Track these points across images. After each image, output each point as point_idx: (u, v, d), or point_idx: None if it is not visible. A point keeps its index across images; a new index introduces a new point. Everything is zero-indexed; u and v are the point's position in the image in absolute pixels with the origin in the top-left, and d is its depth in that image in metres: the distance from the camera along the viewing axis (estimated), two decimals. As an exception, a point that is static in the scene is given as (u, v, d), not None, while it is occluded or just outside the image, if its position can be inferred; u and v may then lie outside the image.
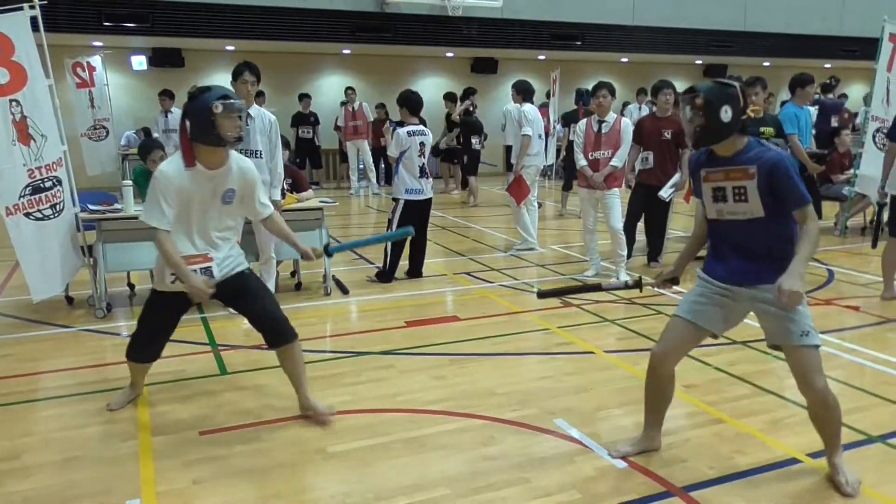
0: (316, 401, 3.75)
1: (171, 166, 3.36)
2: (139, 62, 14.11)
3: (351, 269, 7.15)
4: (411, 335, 5.10)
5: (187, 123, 3.30)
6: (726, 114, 2.80)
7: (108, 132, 12.21)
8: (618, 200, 6.41)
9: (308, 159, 14.26)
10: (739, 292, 2.97)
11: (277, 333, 3.64)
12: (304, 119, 14.17)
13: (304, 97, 14.21)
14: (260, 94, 13.39)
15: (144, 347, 3.76)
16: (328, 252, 3.81)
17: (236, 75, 5.42)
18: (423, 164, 6.50)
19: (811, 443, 3.37)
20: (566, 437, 3.48)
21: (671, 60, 17.10)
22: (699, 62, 17.97)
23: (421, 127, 6.57)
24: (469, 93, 13.15)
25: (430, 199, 6.62)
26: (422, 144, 6.47)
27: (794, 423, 3.62)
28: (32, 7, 5.10)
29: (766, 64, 18.09)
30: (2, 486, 3.08)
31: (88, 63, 11.86)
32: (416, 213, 6.49)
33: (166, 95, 12.22)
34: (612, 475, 3.13)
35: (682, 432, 3.54)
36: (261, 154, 5.39)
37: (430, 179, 6.66)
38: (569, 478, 3.11)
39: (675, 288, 3.41)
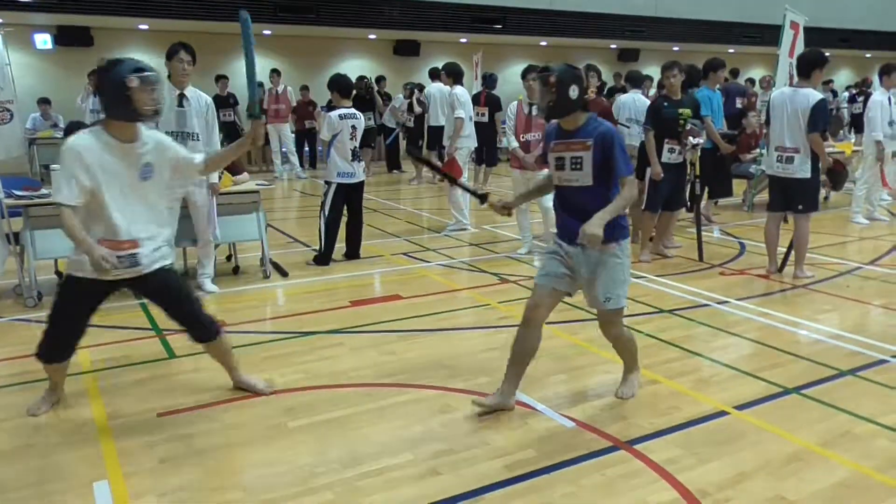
0: (252, 378, 3.82)
1: (80, 139, 3.20)
2: (43, 41, 13.42)
3: (286, 252, 7.16)
4: (357, 314, 5.21)
5: (100, 97, 3.22)
6: (574, 92, 3.27)
7: (11, 115, 11.52)
8: (548, 180, 6.66)
9: (230, 142, 13.94)
10: (572, 252, 3.41)
11: (203, 334, 3.60)
12: (224, 101, 13.76)
13: (221, 78, 13.84)
14: (92, 74, 12.97)
15: (61, 344, 3.47)
16: (256, 112, 3.54)
17: (171, 55, 5.35)
18: (355, 147, 6.53)
19: (736, 397, 3.73)
20: (517, 403, 3.70)
21: (588, 45, 17.63)
22: (613, 46, 18.60)
23: (353, 110, 6.58)
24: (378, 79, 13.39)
25: (361, 181, 6.68)
26: (353, 128, 6.50)
27: (720, 381, 3.97)
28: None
29: (676, 49, 18.90)
30: (-41, 475, 3.03)
31: (-11, 41, 11.20)
32: (348, 196, 6.57)
33: (94, 75, 11.69)
34: (562, 434, 3.37)
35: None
36: (197, 136, 5.35)
37: (362, 162, 6.70)
38: (523, 438, 3.32)
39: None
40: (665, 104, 6.50)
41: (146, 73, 3.16)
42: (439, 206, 9.88)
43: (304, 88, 14.18)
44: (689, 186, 6.87)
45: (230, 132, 13.94)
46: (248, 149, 3.70)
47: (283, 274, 6.31)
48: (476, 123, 11.23)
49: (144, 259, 3.35)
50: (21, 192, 5.48)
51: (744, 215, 9.17)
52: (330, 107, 6.69)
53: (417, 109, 12.74)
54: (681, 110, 6.43)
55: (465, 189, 4.35)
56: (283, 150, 13.45)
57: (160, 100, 3.20)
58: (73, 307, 3.41)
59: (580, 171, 3.30)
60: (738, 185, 9.87)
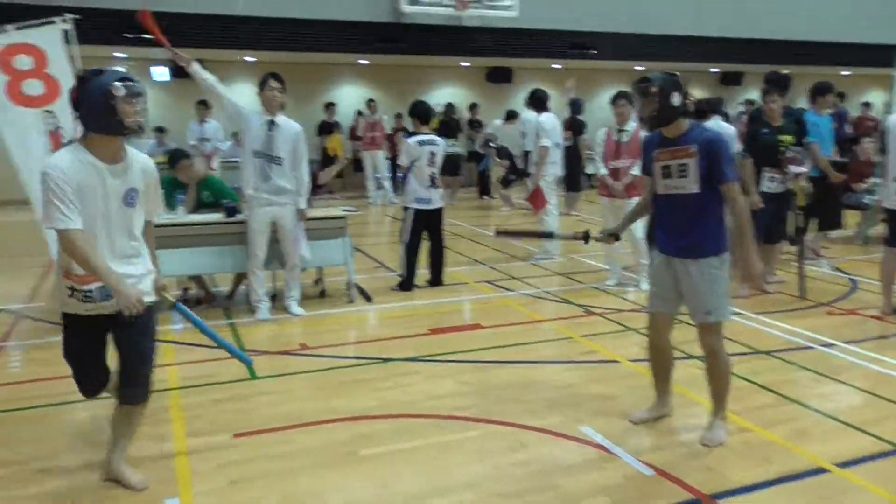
0: (129, 471, 3.19)
1: (59, 159, 2.82)
2: (161, 73, 14.30)
3: (373, 278, 7.23)
4: (436, 342, 5.16)
5: (80, 110, 2.84)
6: (675, 99, 3.30)
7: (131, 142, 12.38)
8: (638, 210, 6.43)
9: (328, 166, 14.37)
10: (676, 263, 3.46)
11: (139, 393, 3.12)
12: (330, 128, 14.27)
13: (329, 105, 14.31)
14: (202, 104, 13.49)
15: (87, 383, 3.22)
16: (176, 306, 3.31)
17: (262, 84, 5.52)
18: (433, 173, 6.53)
19: (838, 452, 3.41)
20: (593, 445, 3.53)
21: (687, 69, 17.08)
22: (715, 70, 17.99)
23: (432, 136, 6.60)
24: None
25: (440, 208, 6.66)
26: (432, 154, 6.51)
27: (820, 433, 3.65)
28: (65, 21, 5.23)
29: (785, 72, 18.05)
30: (41, 485, 3.17)
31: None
32: (426, 222, 6.57)
33: (203, 105, 12.35)
34: (639, 482, 3.18)
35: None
36: (281, 161, 5.48)
37: (440, 189, 6.68)
38: (597, 484, 3.15)
39: (616, 244, 4.15)
40: (763, 130, 6.16)
41: (132, 83, 2.83)
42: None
43: (398, 116, 14.44)
44: (793, 217, 6.46)
45: (329, 158, 14.43)
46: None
47: (368, 299, 6.36)
48: (565, 148, 11.18)
49: (142, 287, 3.01)
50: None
51: (857, 249, 8.54)
52: (410, 133, 6.73)
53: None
54: (781, 137, 6.08)
55: (565, 238, 4.43)
56: (377, 176, 13.71)
57: (144, 115, 2.86)
58: (75, 344, 3.10)
59: (686, 179, 3.34)
60: (851, 217, 9.24)
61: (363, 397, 4.15)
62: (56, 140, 5.17)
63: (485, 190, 14.25)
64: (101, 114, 2.79)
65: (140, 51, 12.99)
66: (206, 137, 11.65)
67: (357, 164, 14.23)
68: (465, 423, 3.81)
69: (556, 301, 6.33)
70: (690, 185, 3.34)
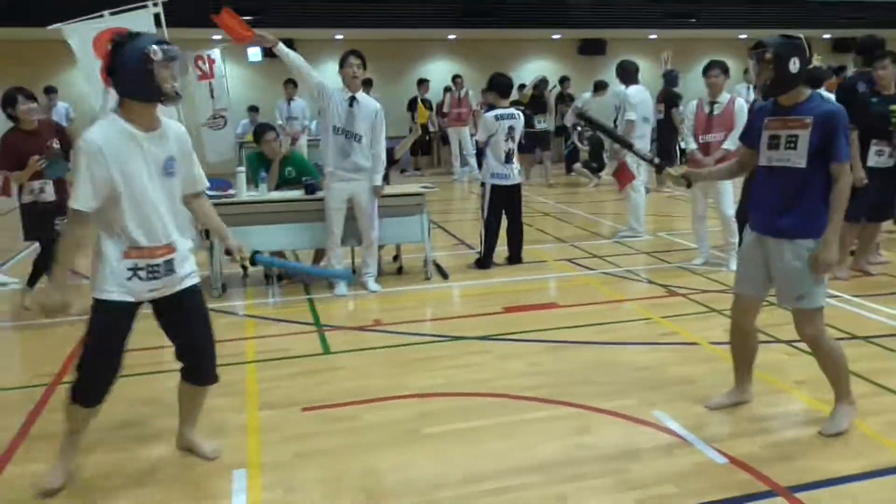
0: (201, 441, 3.25)
1: (96, 132, 2.69)
2: (255, 54, 14.63)
3: (452, 255, 7.22)
4: (509, 321, 5.10)
5: (116, 77, 2.70)
6: (794, 65, 3.03)
7: (226, 121, 12.74)
8: (730, 186, 6.11)
9: (420, 146, 14.49)
10: (770, 243, 3.22)
11: (207, 374, 3.10)
12: (423, 104, 14.32)
13: (423, 82, 14.33)
14: (367, 83, 13.72)
15: (99, 384, 2.88)
16: (253, 260, 3.28)
17: (342, 62, 5.56)
18: (511, 148, 6.40)
19: (937, 448, 3.12)
20: (665, 430, 3.38)
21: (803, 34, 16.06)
22: (827, 36, 16.79)
23: (511, 110, 6.46)
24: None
25: (517, 184, 6.53)
26: (510, 129, 6.37)
27: (919, 427, 3.35)
28: (156, 4, 5.43)
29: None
30: (128, 451, 3.33)
31: (209, 56, 12.45)
32: (504, 198, 6.47)
33: (291, 84, 12.68)
34: (711, 471, 3.02)
35: (790, 429, 3.37)
36: (361, 139, 5.52)
37: (517, 164, 6.54)
38: (665, 471, 3.02)
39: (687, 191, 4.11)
40: (874, 99, 5.68)
41: (168, 47, 2.71)
42: (616, 211, 9.48)
43: (485, 91, 14.28)
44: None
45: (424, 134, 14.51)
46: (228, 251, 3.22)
47: (445, 276, 6.35)
48: (657, 122, 10.75)
49: (178, 268, 2.90)
50: (212, 191, 5.96)
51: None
52: (490, 107, 6.61)
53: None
54: (893, 107, 5.59)
55: (640, 156, 4.27)
56: (464, 153, 13.66)
57: (180, 82, 2.76)
58: (111, 334, 2.86)
59: (794, 151, 3.10)
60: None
61: (432, 375, 4.15)
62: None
63: (571, 167, 13.95)
64: (138, 79, 2.67)
65: (236, 33, 13.42)
66: (294, 116, 11.96)
67: (444, 141, 14.24)
68: (533, 403, 3.73)
69: (638, 280, 6.11)
70: (797, 158, 3.08)
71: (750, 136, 3.36)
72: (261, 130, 6.39)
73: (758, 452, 3.14)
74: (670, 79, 11.46)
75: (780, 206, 3.16)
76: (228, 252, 3.20)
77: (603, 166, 12.18)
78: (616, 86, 11.53)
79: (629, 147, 4.38)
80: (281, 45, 5.54)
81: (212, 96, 12.67)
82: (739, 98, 6.19)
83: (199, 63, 12.51)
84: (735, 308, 3.49)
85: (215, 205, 5.65)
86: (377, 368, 4.27)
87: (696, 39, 15.62)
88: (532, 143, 12.68)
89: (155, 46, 2.67)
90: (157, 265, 2.84)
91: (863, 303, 5.25)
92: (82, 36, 5.21)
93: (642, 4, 13.90)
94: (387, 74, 14.85)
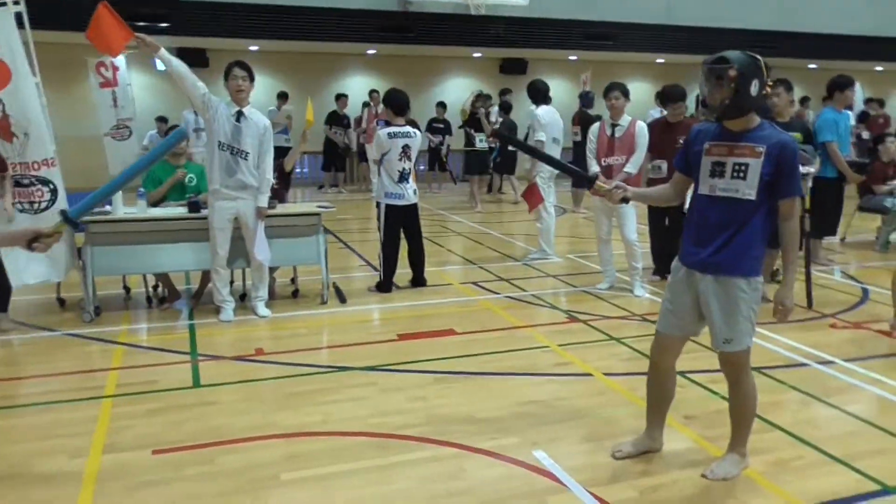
0: None
1: None
2: (179, 61, 14.14)
3: (357, 277, 6.92)
4: (401, 350, 4.83)
5: None
6: (755, 88, 2.78)
7: (130, 132, 12.18)
8: (632, 210, 6.03)
9: (334, 162, 14.14)
10: (700, 280, 2.97)
11: None
12: (339, 120, 14.01)
13: (341, 97, 14.02)
14: (283, 96, 13.35)
15: None
16: (69, 219, 2.89)
17: (227, 73, 5.25)
18: (405, 168, 6.15)
19: (819, 490, 3.01)
20: (543, 472, 3.17)
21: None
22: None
23: (406, 128, 6.23)
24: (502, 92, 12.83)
25: (413, 204, 6.29)
26: (405, 147, 6.14)
27: (802, 466, 3.24)
28: (17, 3, 4.98)
29: (812, 66, 17.38)
30: None
31: (112, 63, 11.85)
32: (400, 219, 6.24)
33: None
34: (585, 520, 2.81)
35: (673, 471, 3.19)
36: (247, 156, 5.20)
37: (413, 184, 6.28)
38: (537, 522, 2.80)
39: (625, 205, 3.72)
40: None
41: None
42: (530, 232, 9.37)
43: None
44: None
45: (337, 151, 14.15)
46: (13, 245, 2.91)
47: (342, 300, 6.04)
48: (574, 143, 10.77)
49: None
50: (86, 207, 5.51)
51: (874, 255, 8.01)
52: (386, 124, 6.36)
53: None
54: (793, 134, 5.61)
55: (570, 172, 3.69)
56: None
57: None
58: None
59: (743, 181, 2.82)
60: (871, 221, 8.72)
61: (307, 411, 3.83)
62: (3, 127, 4.93)
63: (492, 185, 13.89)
64: None
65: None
66: (202, 127, 11.46)
67: (362, 156, 13.96)
68: (410, 443, 3.47)
69: (541, 305, 5.95)
70: (747, 189, 2.81)
71: (685, 161, 3.08)
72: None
73: (636, 499, 2.96)
74: (587, 100, 11.54)
75: (714, 238, 2.88)
76: (30, 243, 2.73)
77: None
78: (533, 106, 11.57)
79: (550, 161, 3.93)
80: (163, 51, 5.16)
81: (115, 105, 12.11)
82: (640, 121, 6.12)
83: (102, 70, 11.92)
84: (655, 347, 3.20)
85: (89, 222, 5.32)
86: (248, 404, 3.93)
87: (614, 62, 15.87)
88: (475, 164, 12.46)
89: None
90: None
91: (759, 331, 5.20)
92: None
93: (562, 26, 14.00)
94: (304, 88, 14.50)
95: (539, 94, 7.56)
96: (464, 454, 3.35)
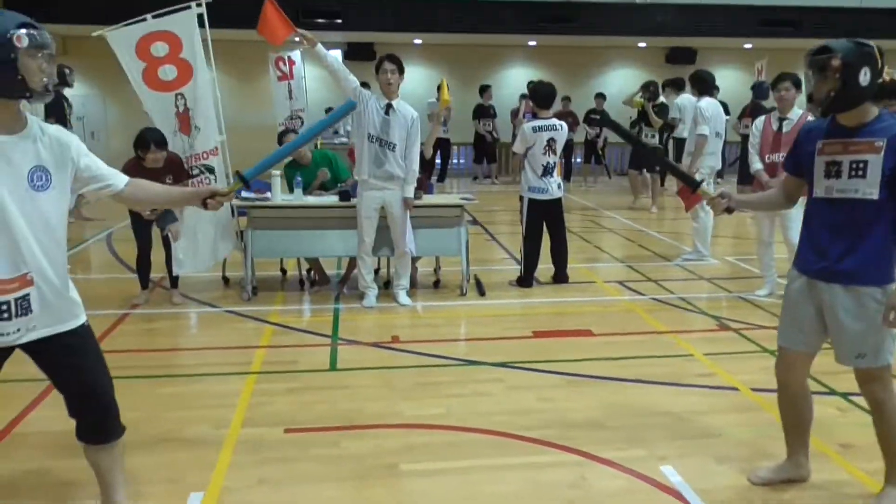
0: None
1: None
2: (335, 56, 14.88)
3: (499, 269, 6.90)
4: (534, 347, 4.75)
5: None
6: (865, 76, 2.53)
7: (302, 121, 12.98)
8: (799, 211, 5.46)
9: (485, 153, 14.24)
10: (824, 290, 2.71)
11: (103, 430, 2.51)
12: (485, 111, 14.12)
13: (485, 88, 14.14)
14: (364, 85, 13.51)
15: None
16: (243, 178, 2.88)
17: (377, 67, 5.38)
18: (549, 161, 6.02)
19: None
20: (668, 490, 2.97)
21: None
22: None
23: (552, 121, 6.08)
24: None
25: (557, 198, 6.15)
26: (551, 140, 6.00)
27: (982, 516, 2.79)
28: (199, 5, 5.40)
29: None
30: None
31: (289, 58, 12.66)
32: (543, 213, 6.12)
33: (365, 85, 12.71)
34: (710, 549, 2.60)
35: (820, 505, 2.88)
36: (395, 147, 5.31)
37: (557, 178, 6.14)
38: (656, 543, 2.63)
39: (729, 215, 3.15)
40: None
41: (36, 31, 2.18)
42: (685, 231, 8.88)
43: (566, 99, 13.85)
44: None
45: (481, 142, 14.26)
46: (190, 204, 2.82)
47: (482, 293, 6.04)
48: (743, 137, 9.99)
49: (36, 303, 2.28)
50: (250, 194, 5.90)
51: None
52: (533, 116, 6.25)
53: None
54: None
55: (676, 172, 3.59)
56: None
57: (53, 74, 2.23)
58: None
59: (863, 180, 2.59)
60: None
61: (433, 402, 3.87)
62: (185, 121, 5.39)
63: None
64: None
65: (318, 34, 13.55)
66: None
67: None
68: (532, 445, 3.39)
69: (689, 310, 5.60)
70: (868, 188, 2.57)
71: (796, 162, 2.85)
72: (282, 134, 6.29)
73: (773, 530, 2.70)
74: (760, 91, 10.66)
75: (840, 245, 2.65)
76: (208, 203, 2.65)
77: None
78: (679, 97, 10.88)
79: (652, 157, 3.84)
80: (320, 47, 5.41)
81: (290, 97, 12.93)
82: (811, 114, 5.55)
83: (280, 64, 12.78)
84: (780, 364, 2.94)
85: (250, 207, 5.71)
86: (376, 391, 4.03)
87: (795, 49, 14.56)
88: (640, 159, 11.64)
89: (20, 31, 2.14)
90: (6, 303, 2.21)
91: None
92: (126, 41, 5.24)
93: (736, 11, 13.07)
94: (463, 80, 14.68)
95: (705, 86, 7.10)
96: (586, 462, 3.22)
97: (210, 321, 5.35)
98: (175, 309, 5.56)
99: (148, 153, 5.11)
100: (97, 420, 2.49)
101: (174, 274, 5.59)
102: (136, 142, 5.19)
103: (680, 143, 10.86)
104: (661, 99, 10.62)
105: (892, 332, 2.66)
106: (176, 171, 5.26)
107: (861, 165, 2.58)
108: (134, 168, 5.10)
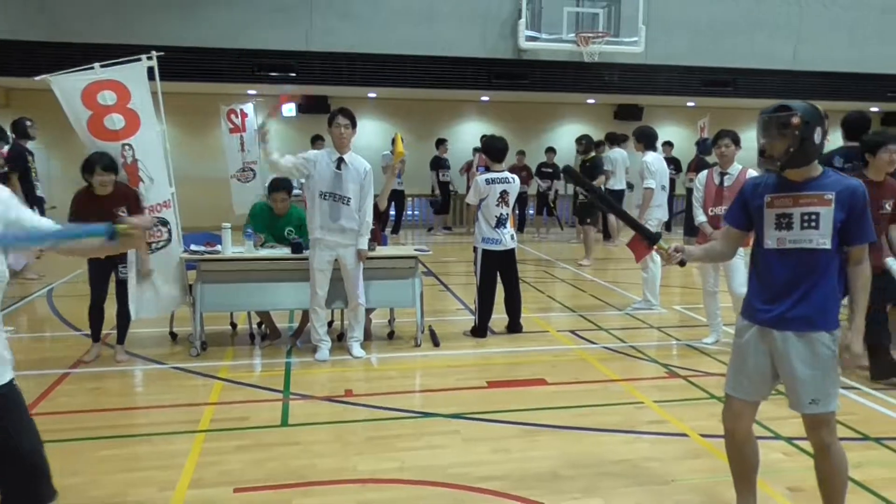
0: None
1: None
2: (289, 109, 14.92)
3: (450, 321, 6.90)
4: (489, 398, 4.74)
5: None
6: (818, 135, 2.71)
7: (255, 174, 12.92)
8: (741, 262, 5.68)
9: (442, 204, 14.46)
10: (776, 337, 2.79)
11: (24, 495, 2.31)
12: (442, 163, 14.35)
13: (441, 141, 14.40)
14: (318, 139, 13.65)
15: None
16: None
17: (330, 121, 5.43)
18: (503, 213, 6.14)
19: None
20: (623, 541, 2.97)
21: (842, 108, 15.53)
22: (875, 110, 16.22)
23: (505, 174, 6.22)
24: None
25: (510, 249, 6.25)
26: (504, 193, 6.13)
27: (925, 557, 2.86)
28: (150, 58, 5.42)
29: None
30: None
31: (241, 110, 12.68)
32: (497, 264, 6.21)
33: (319, 139, 12.79)
34: None
35: (770, 552, 2.91)
36: (349, 201, 5.34)
37: (511, 230, 6.26)
38: None
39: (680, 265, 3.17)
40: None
41: None
42: (635, 281, 9.05)
43: (521, 153, 14.19)
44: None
45: (444, 191, 14.50)
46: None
47: (436, 344, 6.03)
48: (688, 190, 10.36)
49: None
50: (199, 246, 5.83)
51: None
52: (486, 169, 6.38)
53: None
54: None
55: (634, 225, 3.39)
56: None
57: None
58: None
59: (816, 231, 2.72)
60: None
61: (389, 456, 3.81)
62: (132, 172, 5.34)
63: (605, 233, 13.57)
64: None
65: (273, 88, 13.65)
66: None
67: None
68: (488, 497, 3.37)
69: (639, 358, 5.69)
70: (821, 238, 2.70)
71: (738, 216, 2.96)
72: (274, 186, 6.10)
73: (724, 578, 2.71)
74: (703, 147, 11.14)
75: (794, 292, 2.74)
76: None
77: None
78: (610, 151, 11.23)
79: (614, 210, 3.67)
80: (275, 155, 5.42)
81: (242, 149, 12.90)
82: (751, 169, 5.80)
83: (232, 117, 12.78)
84: (727, 412, 2.99)
85: (199, 261, 5.63)
86: (329, 446, 3.96)
87: (733, 108, 15.25)
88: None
89: None
90: None
91: (882, 397, 4.73)
92: (72, 87, 5.20)
93: (678, 72, 13.64)
94: (417, 133, 14.92)
95: (649, 140, 7.35)
96: (541, 514, 3.21)
97: (157, 378, 5.20)
98: (120, 367, 5.39)
99: (94, 176, 5.01)
100: (23, 485, 2.31)
101: (132, 318, 5.44)
102: (83, 166, 5.07)
103: (613, 194, 11.32)
104: (593, 153, 11.01)
105: (838, 380, 2.77)
106: (132, 204, 5.14)
107: (813, 217, 2.71)
108: (85, 197, 5.04)
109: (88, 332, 5.56)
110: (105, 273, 5.34)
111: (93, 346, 5.51)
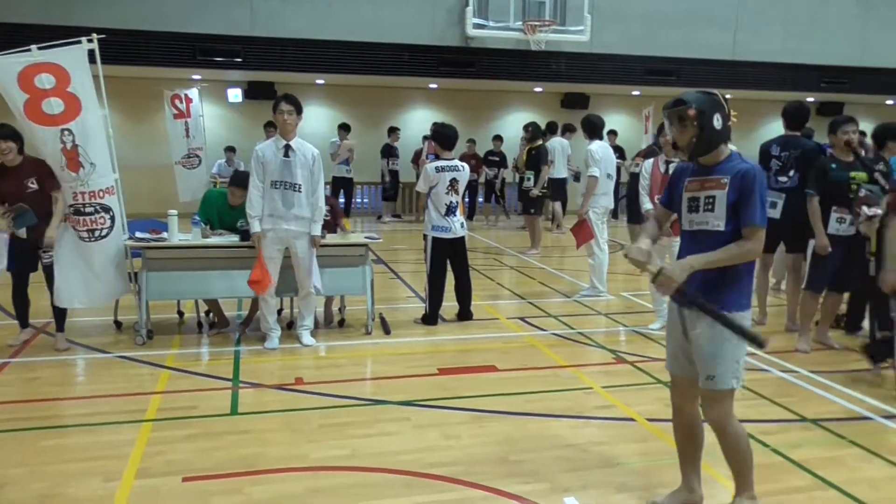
0: None
1: None
2: (235, 95, 14.64)
3: (401, 308, 6.91)
4: (440, 385, 4.77)
5: None
6: (718, 121, 2.83)
7: (200, 160, 12.62)
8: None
9: (393, 186, 14.46)
10: (687, 316, 2.92)
11: None
12: (393, 151, 14.28)
13: (393, 130, 14.32)
14: (344, 127, 13.63)
15: None
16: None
17: (275, 107, 5.32)
18: (452, 201, 6.16)
19: (869, 558, 2.78)
20: (570, 522, 3.04)
21: (779, 98, 16.03)
22: (811, 100, 16.79)
23: (454, 162, 6.25)
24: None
25: (460, 237, 6.28)
26: (453, 181, 6.15)
27: (855, 530, 3.02)
28: (90, 41, 5.23)
29: (889, 102, 16.72)
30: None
31: (186, 95, 12.35)
32: (446, 252, 6.24)
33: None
34: (612, 576, 2.67)
35: (712, 528, 3.03)
36: (300, 188, 5.28)
37: (460, 217, 6.28)
38: (560, 574, 2.67)
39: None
40: (833, 165, 5.47)
41: None
42: (582, 268, 9.21)
43: (471, 141, 14.24)
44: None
45: (394, 179, 14.46)
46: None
47: (387, 332, 6.03)
48: (632, 175, 10.53)
49: None
50: (143, 234, 5.69)
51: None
52: (436, 157, 6.39)
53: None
54: (853, 174, 5.37)
55: (729, 324, 2.87)
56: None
57: None
58: None
59: (712, 213, 2.85)
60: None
61: (339, 444, 3.81)
62: (72, 157, 5.16)
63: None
64: None
65: (218, 73, 13.34)
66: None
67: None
68: (438, 483, 3.40)
69: (587, 344, 5.80)
70: (716, 221, 2.83)
71: (669, 198, 3.10)
72: (235, 181, 5.89)
73: (668, 555, 2.80)
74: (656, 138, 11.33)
75: (699, 273, 2.81)
76: None
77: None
78: (551, 140, 11.30)
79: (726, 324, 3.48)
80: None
81: (186, 135, 12.58)
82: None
83: (176, 102, 12.45)
84: (672, 389, 3.13)
85: (145, 248, 5.49)
86: (279, 434, 3.93)
87: (675, 97, 15.57)
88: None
89: None
90: None
91: (818, 380, 4.94)
92: (8, 70, 4.98)
93: (622, 61, 13.87)
94: (366, 120, 14.82)
95: (594, 129, 7.46)
96: (491, 497, 3.26)
97: (100, 367, 5.07)
98: (60, 356, 5.23)
99: None
100: None
101: (65, 307, 5.29)
102: None
103: (554, 182, 11.51)
104: (539, 141, 11.06)
105: (738, 359, 2.85)
106: (44, 177, 5.15)
107: (711, 200, 2.85)
108: None
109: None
110: (24, 256, 5.24)
111: (21, 332, 5.38)
